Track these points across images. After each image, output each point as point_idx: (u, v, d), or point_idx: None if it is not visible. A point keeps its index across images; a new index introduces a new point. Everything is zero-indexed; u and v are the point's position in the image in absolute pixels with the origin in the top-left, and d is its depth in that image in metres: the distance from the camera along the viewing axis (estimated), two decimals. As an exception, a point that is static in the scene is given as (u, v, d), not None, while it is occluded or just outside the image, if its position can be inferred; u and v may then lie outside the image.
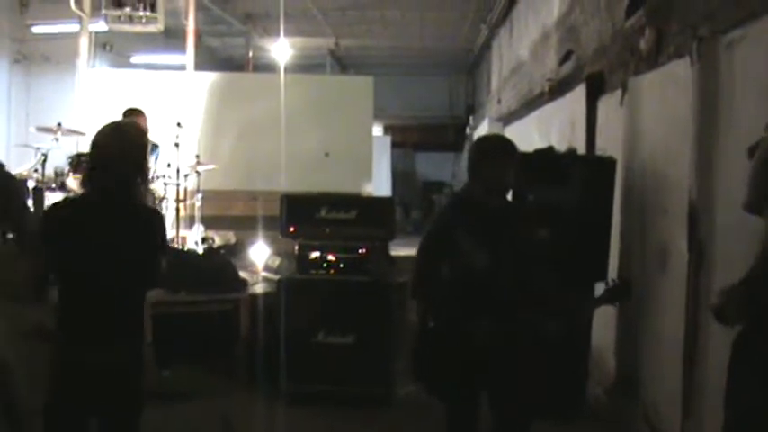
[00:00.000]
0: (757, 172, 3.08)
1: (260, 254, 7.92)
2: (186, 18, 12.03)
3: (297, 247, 6.48)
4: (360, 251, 6.45)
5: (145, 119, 8.97)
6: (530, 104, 11.57)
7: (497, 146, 4.50)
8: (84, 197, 3.85)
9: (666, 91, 5.27)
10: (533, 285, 4.32)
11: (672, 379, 4.83)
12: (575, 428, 5.76)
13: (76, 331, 3.63)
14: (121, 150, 3.66)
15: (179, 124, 8.60)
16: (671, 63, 5.14)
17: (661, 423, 5.13)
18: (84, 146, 9.29)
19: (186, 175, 8.70)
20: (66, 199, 3.96)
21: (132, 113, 8.94)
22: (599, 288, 5.87)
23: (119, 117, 9.00)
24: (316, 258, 6.42)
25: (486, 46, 18.58)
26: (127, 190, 3.69)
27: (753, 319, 3.03)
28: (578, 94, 7.71)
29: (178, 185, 8.56)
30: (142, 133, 3.97)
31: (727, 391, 3.18)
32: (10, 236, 4.80)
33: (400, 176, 22.53)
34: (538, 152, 6.06)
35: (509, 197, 4.87)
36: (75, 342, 3.62)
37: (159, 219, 4.02)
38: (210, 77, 11.79)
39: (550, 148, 6.17)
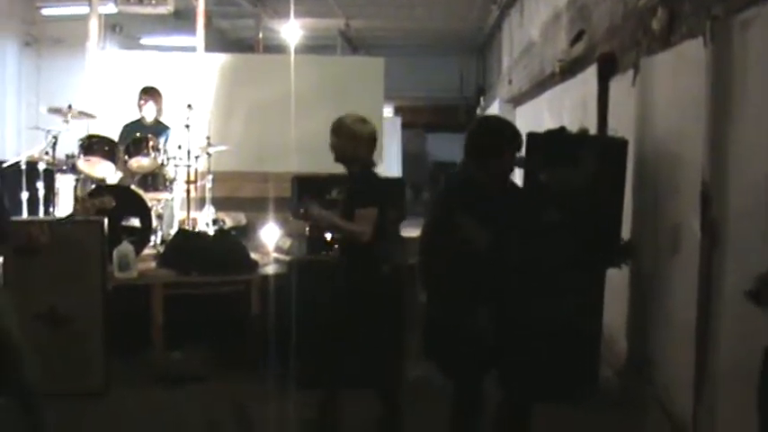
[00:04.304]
0: None
1: (271, 235, 7.92)
2: (196, -1, 12.01)
3: (307, 229, 6.46)
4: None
5: (161, 98, 8.97)
6: (541, 85, 11.51)
7: (501, 127, 4.50)
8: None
9: (679, 71, 5.23)
10: (542, 267, 4.32)
11: (684, 362, 4.81)
12: (586, 410, 5.74)
13: None
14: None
15: (189, 106, 8.58)
16: (684, 43, 5.09)
17: (673, 406, 5.12)
18: (95, 128, 9.29)
19: (197, 157, 8.69)
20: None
21: (148, 92, 8.95)
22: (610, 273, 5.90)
23: (129, 99, 9.06)
24: (326, 239, 6.40)
25: (497, 26, 18.49)
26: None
27: None
28: (590, 74, 7.66)
29: (189, 167, 8.56)
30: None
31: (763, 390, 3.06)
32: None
33: (410, 157, 22.40)
34: (549, 133, 6.03)
35: (516, 179, 4.86)
36: None
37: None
38: (221, 59, 11.73)
39: (562, 129, 6.14)
